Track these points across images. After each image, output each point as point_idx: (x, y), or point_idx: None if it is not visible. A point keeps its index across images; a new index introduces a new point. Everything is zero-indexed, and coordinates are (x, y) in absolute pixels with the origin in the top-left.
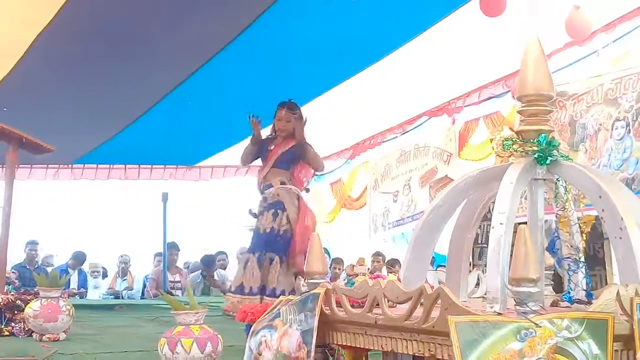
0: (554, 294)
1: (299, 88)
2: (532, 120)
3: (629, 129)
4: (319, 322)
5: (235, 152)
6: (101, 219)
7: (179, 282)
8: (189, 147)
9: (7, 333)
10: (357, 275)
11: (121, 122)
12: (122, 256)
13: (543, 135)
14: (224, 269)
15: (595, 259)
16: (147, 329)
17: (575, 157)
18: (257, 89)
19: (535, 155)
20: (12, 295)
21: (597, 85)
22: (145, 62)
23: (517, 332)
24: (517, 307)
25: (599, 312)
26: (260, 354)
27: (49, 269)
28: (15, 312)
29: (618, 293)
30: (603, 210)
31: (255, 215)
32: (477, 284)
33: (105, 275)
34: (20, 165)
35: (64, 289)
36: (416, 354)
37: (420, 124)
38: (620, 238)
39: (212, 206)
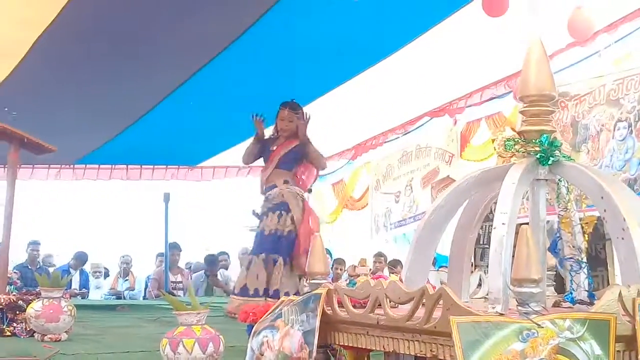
0: (556, 294)
1: (301, 88)
2: (534, 120)
3: (631, 130)
4: (320, 322)
5: (237, 153)
6: (103, 219)
7: (180, 282)
8: (191, 147)
9: (8, 333)
10: (358, 275)
11: (123, 122)
12: (123, 256)
13: (545, 135)
14: (226, 269)
15: (597, 260)
16: (149, 330)
17: (577, 158)
18: (259, 89)
19: (537, 156)
20: (14, 295)
21: (599, 86)
22: (148, 61)
23: (519, 333)
24: (519, 308)
25: (601, 313)
26: (262, 355)
27: (50, 269)
28: (17, 312)
29: (620, 294)
30: (605, 211)
31: (259, 216)
32: (479, 285)
33: (107, 276)
34: (22, 166)
35: (66, 289)
36: (418, 355)
37: (422, 125)
38: (623, 239)
39: (213, 207)
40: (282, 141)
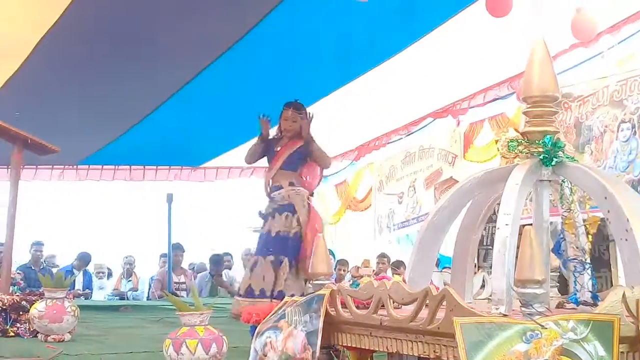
0: (560, 295)
1: (305, 89)
2: (538, 121)
3: (635, 131)
4: (324, 323)
5: (240, 153)
6: (106, 219)
7: (184, 283)
8: (194, 148)
9: (12, 334)
10: (362, 276)
11: (126, 123)
12: (127, 257)
13: (548, 136)
14: (229, 269)
15: (600, 261)
16: (152, 330)
17: (580, 159)
18: (262, 89)
19: (541, 157)
20: (18, 296)
21: (603, 87)
22: (151, 62)
23: (522, 334)
24: (523, 309)
25: (605, 314)
26: (266, 355)
27: (53, 270)
28: (21, 312)
29: (624, 295)
30: (609, 212)
31: (264, 217)
32: (483, 286)
33: (110, 276)
34: (26, 166)
35: (69, 290)
36: (421, 355)
37: (425, 126)
38: (626, 240)
39: (217, 207)
40: (286, 142)
